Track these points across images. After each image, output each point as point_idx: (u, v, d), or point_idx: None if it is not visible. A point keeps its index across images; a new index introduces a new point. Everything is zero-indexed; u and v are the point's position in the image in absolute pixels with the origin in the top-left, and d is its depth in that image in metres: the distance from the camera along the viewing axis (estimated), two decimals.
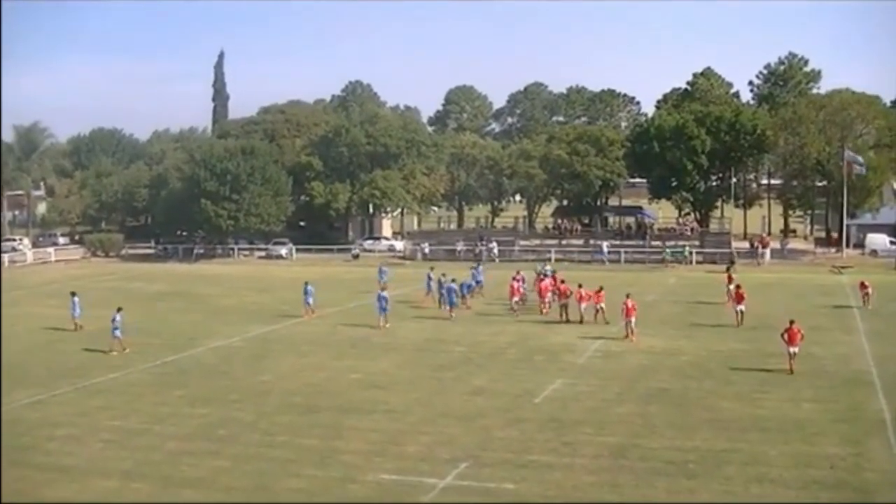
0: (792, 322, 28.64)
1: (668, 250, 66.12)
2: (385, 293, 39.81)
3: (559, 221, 79.14)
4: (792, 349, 28.22)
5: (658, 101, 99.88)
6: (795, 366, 27.99)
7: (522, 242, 73.29)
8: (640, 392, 26.30)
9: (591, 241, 70.88)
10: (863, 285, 43.42)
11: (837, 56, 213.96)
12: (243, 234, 79.15)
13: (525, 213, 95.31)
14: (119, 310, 34.22)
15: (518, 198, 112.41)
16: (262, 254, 77.92)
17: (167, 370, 30.61)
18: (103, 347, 33.57)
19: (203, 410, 24.87)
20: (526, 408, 24.71)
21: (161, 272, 66.35)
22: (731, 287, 41.65)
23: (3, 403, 25.37)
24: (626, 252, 68.28)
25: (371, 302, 40.68)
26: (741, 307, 37.63)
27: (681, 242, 67.58)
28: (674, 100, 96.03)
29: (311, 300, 41.91)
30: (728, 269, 49.71)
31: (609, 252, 67.70)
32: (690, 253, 65.65)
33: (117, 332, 33.27)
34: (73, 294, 39.33)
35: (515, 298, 42.53)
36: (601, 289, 38.90)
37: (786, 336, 28.47)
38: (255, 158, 76.09)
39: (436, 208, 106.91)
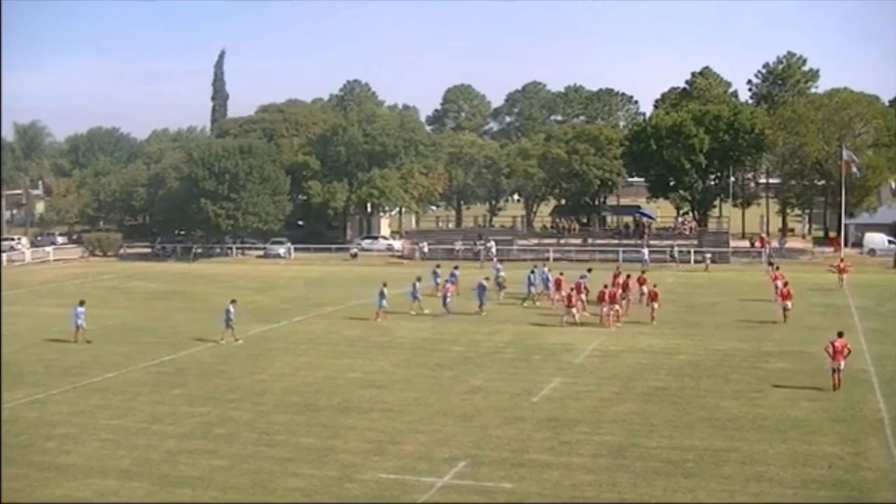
0: (840, 334, 26.17)
1: (668, 250, 65.99)
2: (384, 289, 40.65)
3: (557, 221, 79.05)
4: (838, 363, 25.53)
5: (656, 100, 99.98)
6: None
7: (521, 242, 73.03)
8: (639, 391, 26.31)
9: (636, 243, 68.99)
10: (841, 269, 49.26)
11: (836, 55, 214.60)
12: (241, 234, 79.12)
13: (523, 212, 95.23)
14: (233, 301, 35.83)
15: (516, 197, 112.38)
16: (260, 253, 77.82)
17: (165, 369, 30.58)
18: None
19: (201, 409, 24.87)
20: (524, 407, 24.72)
21: (159, 271, 66.24)
22: (780, 284, 40.78)
23: (2, 402, 25.33)
24: (623, 251, 68.11)
25: (369, 301, 40.87)
26: (788, 303, 38.32)
27: (677, 242, 67.43)
28: (672, 99, 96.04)
29: (384, 302, 39.79)
30: (774, 268, 48.14)
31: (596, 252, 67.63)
32: (686, 252, 65.40)
33: (231, 323, 34.93)
34: (82, 303, 36.47)
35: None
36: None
37: (830, 350, 25.78)
38: (253, 157, 75.94)
39: (434, 207, 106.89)
